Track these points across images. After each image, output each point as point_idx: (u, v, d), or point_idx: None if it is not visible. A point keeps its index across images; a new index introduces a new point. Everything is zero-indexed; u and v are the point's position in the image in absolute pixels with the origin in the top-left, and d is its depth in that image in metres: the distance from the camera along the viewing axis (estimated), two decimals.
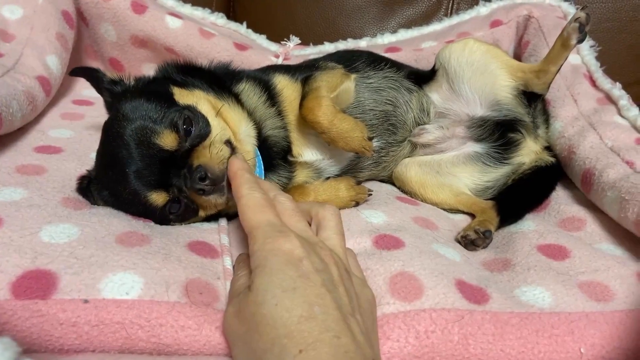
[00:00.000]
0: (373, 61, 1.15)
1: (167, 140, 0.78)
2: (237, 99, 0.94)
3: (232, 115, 0.89)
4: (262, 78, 1.01)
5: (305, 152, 1.00)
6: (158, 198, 0.79)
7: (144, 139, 0.77)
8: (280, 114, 0.98)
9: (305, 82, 0.99)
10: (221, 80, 0.96)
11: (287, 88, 1.00)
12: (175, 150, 0.78)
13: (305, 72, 1.03)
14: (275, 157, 0.95)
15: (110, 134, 0.81)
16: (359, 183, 1.02)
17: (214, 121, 0.83)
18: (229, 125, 0.87)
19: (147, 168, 0.77)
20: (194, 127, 0.80)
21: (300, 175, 0.99)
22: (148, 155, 0.77)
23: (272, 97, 0.98)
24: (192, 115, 0.81)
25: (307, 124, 0.94)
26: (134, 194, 0.78)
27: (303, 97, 0.95)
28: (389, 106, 1.10)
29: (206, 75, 0.95)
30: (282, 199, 0.72)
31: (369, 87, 1.10)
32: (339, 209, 0.77)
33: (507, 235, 0.95)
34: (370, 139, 0.93)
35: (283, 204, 0.70)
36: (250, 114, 0.94)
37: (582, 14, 1.00)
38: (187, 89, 0.88)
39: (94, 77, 0.96)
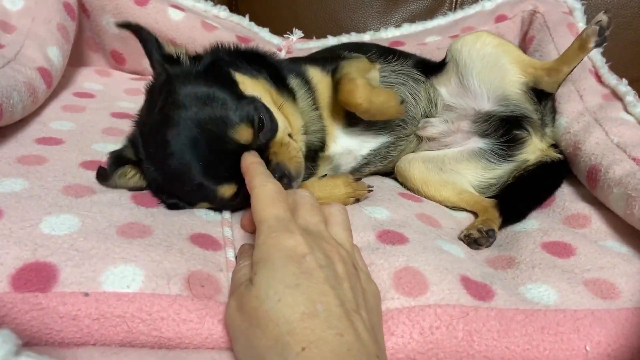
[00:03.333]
0: (382, 53, 1.15)
1: (243, 134, 0.75)
2: (292, 93, 0.93)
3: (290, 110, 0.88)
4: (299, 72, 1.00)
5: (332, 145, 1.00)
6: (227, 190, 0.78)
7: (217, 132, 0.74)
8: (320, 117, 0.98)
9: (334, 73, 0.99)
10: (279, 71, 0.94)
11: (320, 82, 1.00)
12: (249, 145, 0.77)
13: (332, 63, 1.02)
14: (306, 159, 0.93)
15: (172, 120, 0.76)
16: (359, 179, 0.99)
17: (277, 115, 0.82)
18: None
19: (218, 161, 0.75)
20: (265, 122, 0.78)
21: (320, 173, 1.00)
22: (220, 149, 0.75)
23: (311, 94, 0.98)
24: (263, 108, 0.79)
25: (337, 114, 0.95)
26: (199, 185, 0.76)
27: (337, 84, 0.95)
28: None
29: (267, 64, 0.94)
30: (304, 193, 0.73)
31: (383, 80, 1.09)
32: None
33: (510, 234, 0.94)
34: (402, 102, 0.96)
35: (304, 197, 0.71)
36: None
37: (605, 17, 0.96)
38: (250, 78, 0.85)
39: (146, 40, 0.86)
